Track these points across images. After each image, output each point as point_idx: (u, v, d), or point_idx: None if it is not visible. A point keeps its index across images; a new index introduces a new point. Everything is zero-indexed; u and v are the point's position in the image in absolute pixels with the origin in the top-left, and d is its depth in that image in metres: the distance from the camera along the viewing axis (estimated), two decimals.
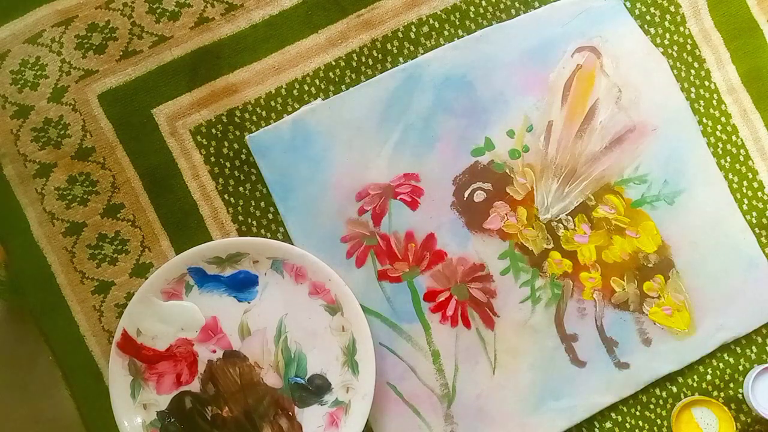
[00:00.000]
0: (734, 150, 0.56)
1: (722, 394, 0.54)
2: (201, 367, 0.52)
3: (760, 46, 0.56)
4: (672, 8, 0.56)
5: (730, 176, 0.55)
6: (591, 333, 0.53)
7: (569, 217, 0.54)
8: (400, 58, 0.55)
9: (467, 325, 0.53)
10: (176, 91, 0.53)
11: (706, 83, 0.56)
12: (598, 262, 0.54)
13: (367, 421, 0.51)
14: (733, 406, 0.54)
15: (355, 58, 0.54)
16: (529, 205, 0.54)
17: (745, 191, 0.56)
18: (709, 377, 0.54)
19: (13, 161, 0.53)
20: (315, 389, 0.52)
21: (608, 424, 0.53)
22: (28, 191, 0.53)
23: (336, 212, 0.53)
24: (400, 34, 0.55)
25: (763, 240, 0.55)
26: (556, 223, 0.54)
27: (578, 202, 0.54)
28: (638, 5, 0.56)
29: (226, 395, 0.52)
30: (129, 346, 0.51)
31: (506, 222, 0.53)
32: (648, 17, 0.56)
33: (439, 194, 0.53)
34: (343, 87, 0.54)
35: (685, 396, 0.53)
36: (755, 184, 0.56)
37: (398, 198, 0.53)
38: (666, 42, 0.56)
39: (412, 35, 0.55)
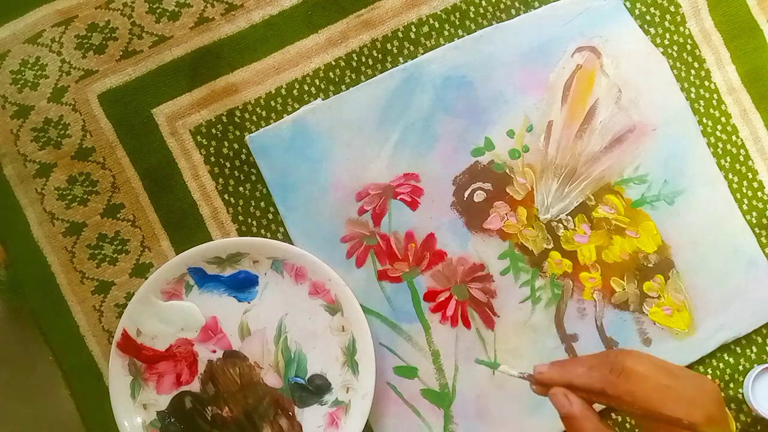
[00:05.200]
0: (734, 150, 0.56)
1: (722, 394, 0.54)
2: (201, 367, 0.52)
3: (760, 46, 0.56)
4: (672, 8, 0.56)
5: (730, 176, 0.55)
6: (591, 333, 0.53)
7: (569, 217, 0.54)
8: (400, 58, 0.55)
9: (467, 325, 0.53)
10: (176, 91, 0.53)
11: (706, 83, 0.56)
12: (598, 262, 0.54)
13: (367, 421, 0.51)
14: (733, 406, 0.54)
15: (355, 58, 0.54)
16: (529, 205, 0.54)
17: (745, 191, 0.56)
18: (709, 377, 0.54)
19: (13, 161, 0.53)
20: (315, 389, 0.52)
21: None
22: (28, 191, 0.53)
23: (336, 212, 0.53)
24: (400, 34, 0.55)
25: (763, 240, 0.55)
26: (556, 223, 0.54)
27: (578, 202, 0.54)
28: (638, 5, 0.56)
29: (226, 395, 0.52)
30: (129, 346, 0.51)
31: (506, 222, 0.53)
32: (648, 17, 0.56)
33: (439, 194, 0.53)
34: (343, 87, 0.54)
35: None
36: (755, 184, 0.56)
37: (398, 198, 0.53)
38: (666, 42, 0.56)
39: (412, 35, 0.55)
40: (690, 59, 0.56)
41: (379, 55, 0.55)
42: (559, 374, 0.42)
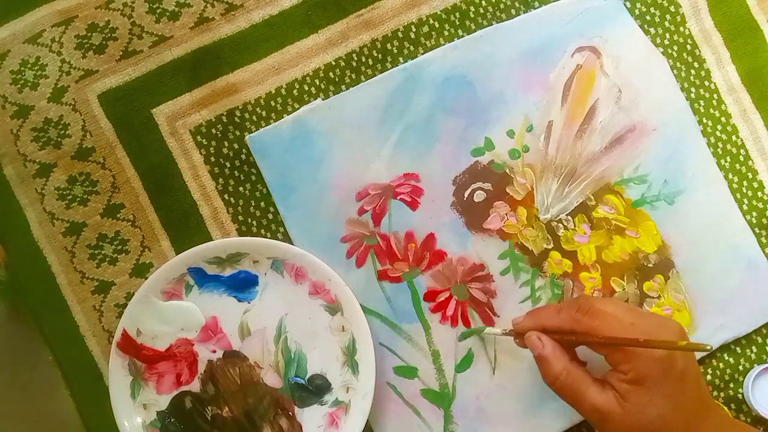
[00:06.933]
0: (734, 150, 0.56)
1: (722, 394, 0.54)
2: (201, 367, 0.52)
3: (760, 46, 0.56)
4: (672, 8, 0.56)
5: (730, 176, 0.56)
6: None
7: (569, 217, 0.54)
8: (400, 58, 0.55)
9: (467, 325, 0.53)
10: (176, 91, 0.53)
11: (706, 83, 0.56)
12: (598, 262, 0.54)
13: (367, 421, 0.51)
14: (733, 406, 0.54)
15: (355, 58, 0.54)
16: (529, 205, 0.54)
17: (745, 191, 0.56)
18: (709, 377, 0.54)
19: (13, 161, 0.53)
20: (315, 389, 0.52)
21: None
22: (28, 191, 0.53)
23: (336, 212, 0.53)
24: (400, 34, 0.55)
25: (763, 240, 0.55)
26: (556, 223, 0.54)
27: (578, 202, 0.54)
28: (638, 5, 0.56)
29: (226, 395, 0.52)
30: (129, 346, 0.51)
31: (506, 222, 0.53)
32: (648, 17, 0.56)
33: (439, 194, 0.53)
34: (343, 87, 0.54)
35: None
36: (755, 184, 0.56)
37: (398, 198, 0.53)
38: (666, 42, 0.56)
39: (412, 35, 0.55)
40: (690, 59, 0.56)
41: (379, 55, 0.55)
42: (533, 321, 0.47)
